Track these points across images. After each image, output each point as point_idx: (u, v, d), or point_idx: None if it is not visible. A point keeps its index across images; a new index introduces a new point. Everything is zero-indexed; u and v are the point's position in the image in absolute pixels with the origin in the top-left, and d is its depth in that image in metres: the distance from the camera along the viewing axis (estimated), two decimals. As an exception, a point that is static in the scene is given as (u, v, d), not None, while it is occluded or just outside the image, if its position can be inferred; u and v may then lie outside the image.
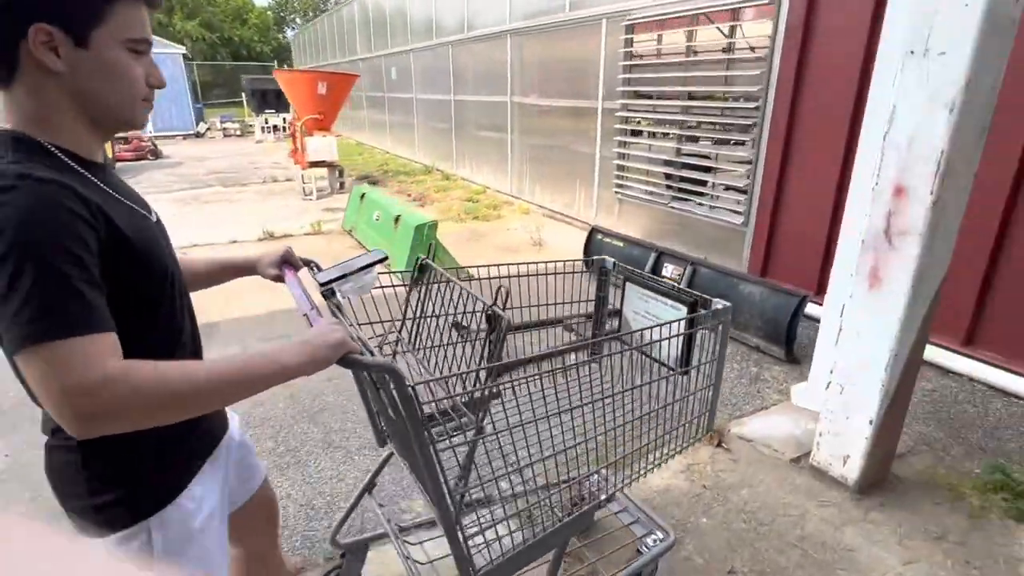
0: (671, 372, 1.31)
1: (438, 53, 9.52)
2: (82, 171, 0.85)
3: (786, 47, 3.72)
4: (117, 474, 0.93)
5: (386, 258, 1.31)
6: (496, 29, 7.42)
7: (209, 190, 8.98)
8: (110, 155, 11.09)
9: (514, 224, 6.58)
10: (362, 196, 5.86)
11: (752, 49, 3.94)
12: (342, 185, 8.81)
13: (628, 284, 1.52)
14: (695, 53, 4.40)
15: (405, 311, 1.42)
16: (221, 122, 19.76)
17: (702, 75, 4.34)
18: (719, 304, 1.28)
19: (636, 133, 5.27)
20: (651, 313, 1.44)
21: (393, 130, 12.79)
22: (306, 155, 8.06)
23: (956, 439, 2.54)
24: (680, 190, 4.74)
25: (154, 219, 1.00)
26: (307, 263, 1.32)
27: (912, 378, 2.11)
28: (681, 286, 4.01)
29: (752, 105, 3.93)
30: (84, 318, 0.74)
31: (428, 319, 1.44)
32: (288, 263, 1.27)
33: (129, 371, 0.74)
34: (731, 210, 4.31)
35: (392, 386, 0.93)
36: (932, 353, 3.16)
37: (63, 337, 0.71)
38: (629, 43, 4.97)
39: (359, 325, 1.29)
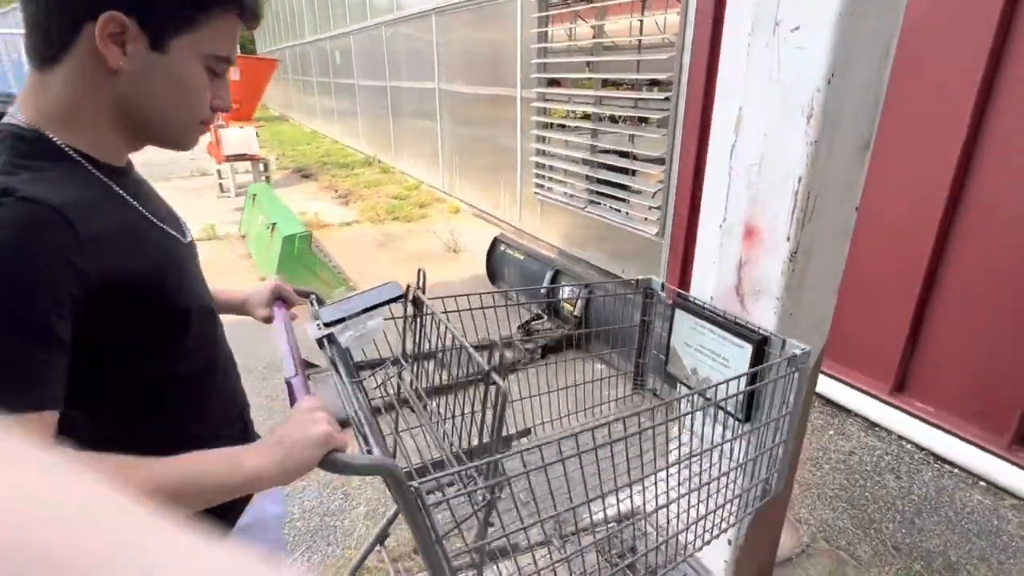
0: (740, 427, 1.15)
1: (373, 35, 8.78)
2: (106, 180, 0.74)
3: (698, 30, 3.11)
4: None
5: (401, 296, 1.09)
6: (423, 7, 6.72)
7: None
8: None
9: (438, 226, 5.96)
10: (254, 197, 5.20)
11: (661, 30, 3.32)
12: (267, 180, 8.13)
13: (677, 311, 1.35)
14: (607, 35, 3.78)
15: (403, 349, 1.15)
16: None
17: (615, 59, 3.72)
18: (797, 348, 1.07)
19: (554, 127, 4.65)
20: (707, 348, 1.28)
21: (340, 118, 12.04)
22: (221, 148, 7.35)
23: (867, 532, 1.99)
24: (597, 193, 4.14)
25: (187, 240, 0.89)
26: (304, 295, 1.12)
27: (791, 480, 1.55)
28: (575, 313, 3.47)
29: (663, 96, 3.33)
30: (29, 390, 0.60)
31: (426, 358, 1.15)
32: (281, 299, 1.10)
33: None
34: (644, 218, 3.72)
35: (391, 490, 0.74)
36: (858, 403, 2.61)
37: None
38: (544, 22, 4.33)
39: (356, 373, 1.02)
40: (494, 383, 0.79)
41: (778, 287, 1.23)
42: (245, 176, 7.77)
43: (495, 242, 4.12)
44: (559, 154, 4.49)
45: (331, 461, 0.70)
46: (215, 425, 0.91)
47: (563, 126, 4.52)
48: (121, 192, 0.75)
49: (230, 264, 4.89)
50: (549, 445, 0.80)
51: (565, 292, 3.35)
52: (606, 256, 4.34)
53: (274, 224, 4.18)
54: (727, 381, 1.03)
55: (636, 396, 1.52)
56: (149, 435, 0.77)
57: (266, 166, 8.08)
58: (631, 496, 0.99)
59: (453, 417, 1.08)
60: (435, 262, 4.93)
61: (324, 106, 13.29)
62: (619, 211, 4.01)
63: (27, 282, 0.59)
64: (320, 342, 1.02)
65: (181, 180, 8.65)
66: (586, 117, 4.19)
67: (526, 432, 1.33)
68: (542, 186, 4.82)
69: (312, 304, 1.08)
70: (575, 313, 3.23)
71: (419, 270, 1.10)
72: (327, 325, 1.02)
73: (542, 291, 3.45)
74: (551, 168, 4.64)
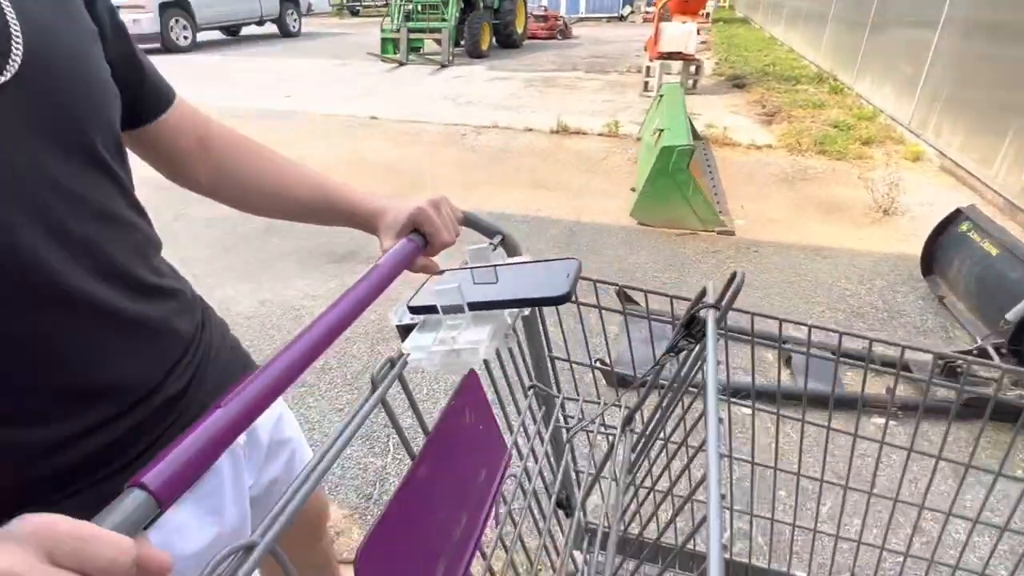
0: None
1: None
2: None
3: None
4: None
5: (566, 297, 0.57)
6: None
7: (567, 74, 8.95)
8: (520, 30, 12.18)
9: (877, 172, 4.41)
10: (660, 99, 4.75)
11: None
12: (695, 84, 7.53)
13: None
14: None
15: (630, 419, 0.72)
16: (646, 5, 19.48)
17: None
18: None
19: None
20: None
21: (805, 23, 10.12)
22: (658, 44, 7.02)
23: None
24: None
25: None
26: (489, 233, 0.74)
27: None
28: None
29: None
30: None
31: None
32: (417, 232, 0.69)
33: None
34: None
35: None
36: None
37: None
38: None
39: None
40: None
41: None
42: (674, 78, 7.35)
43: (955, 215, 2.67)
44: None
45: None
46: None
47: None
48: None
49: (614, 167, 4.71)
50: None
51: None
52: None
53: (661, 131, 3.69)
54: None
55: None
56: None
57: (698, 68, 7.45)
58: None
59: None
60: (846, 221, 3.66)
61: (792, 7, 11.41)
62: None
63: None
64: (402, 333, 0.54)
65: (616, 74, 8.86)
66: None
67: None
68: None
69: (491, 247, 0.63)
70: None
71: (733, 274, 0.57)
72: (413, 311, 0.52)
73: (1009, 318, 2.06)
74: None
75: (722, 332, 0.62)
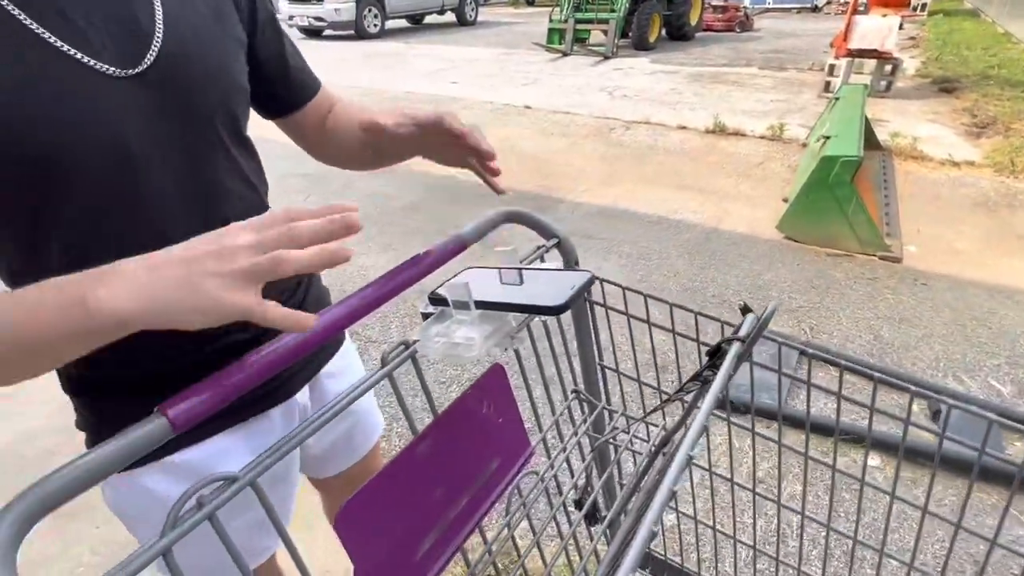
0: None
1: None
2: None
3: None
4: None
5: (565, 307, 0.55)
6: None
7: (737, 70, 8.35)
8: (694, 22, 11.58)
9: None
10: (835, 102, 4.25)
11: None
12: (888, 86, 6.60)
13: None
14: None
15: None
16: (845, -5, 17.40)
17: None
18: None
19: None
20: None
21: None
22: (848, 39, 6.27)
23: None
24: None
25: (133, 70, 0.57)
26: (546, 234, 0.75)
27: None
28: None
29: None
30: None
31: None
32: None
33: None
34: None
35: None
36: None
37: None
38: None
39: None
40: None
41: None
42: (865, 78, 6.50)
43: None
44: None
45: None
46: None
47: None
48: None
49: (769, 174, 4.34)
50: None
51: None
52: None
53: (828, 138, 3.32)
54: None
55: None
56: None
57: (895, 69, 6.51)
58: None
59: None
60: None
61: (1040, -3, 9.46)
62: None
63: None
64: (424, 319, 0.58)
65: (795, 71, 8.08)
66: None
67: None
68: None
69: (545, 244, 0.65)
70: None
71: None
72: (433, 301, 0.56)
73: None
74: None
75: (749, 361, 0.57)
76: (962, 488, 1.71)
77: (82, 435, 0.69)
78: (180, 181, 0.62)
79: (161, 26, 0.60)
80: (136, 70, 0.57)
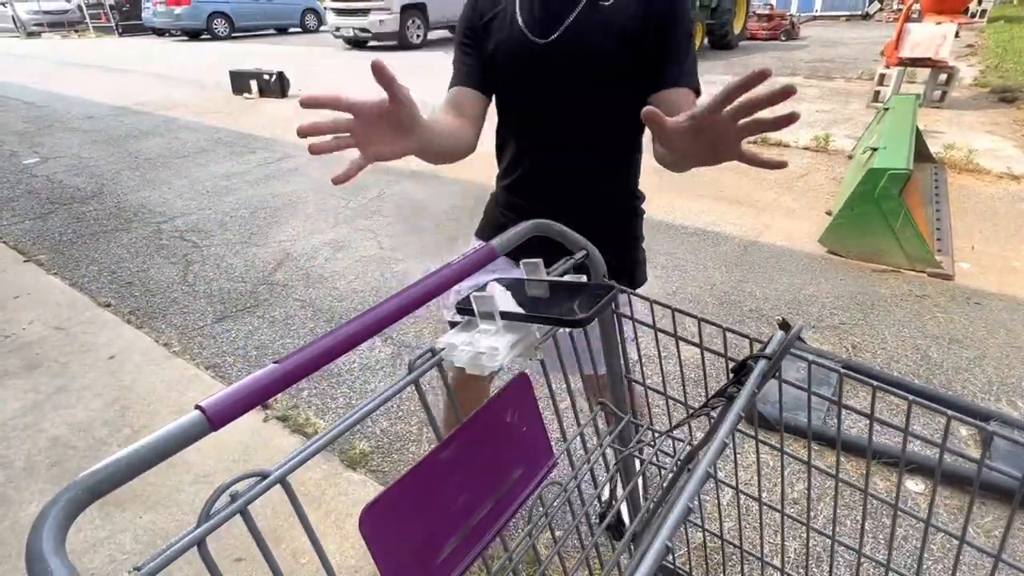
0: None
1: None
2: None
3: None
4: None
5: (587, 320, 0.55)
6: None
7: (780, 79, 8.16)
8: (737, 31, 11.40)
9: None
10: (884, 112, 4.11)
11: None
12: (943, 97, 6.36)
13: None
14: None
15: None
16: (898, 2, 16.82)
17: None
18: None
19: None
20: None
21: None
22: (900, 47, 6.07)
23: None
24: None
25: (547, 39, 1.00)
26: (573, 247, 0.75)
27: None
28: None
29: None
30: (454, 76, 1.14)
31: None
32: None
33: None
34: None
35: None
36: None
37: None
38: None
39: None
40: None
41: None
42: (916, 88, 6.28)
43: None
44: None
45: None
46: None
47: None
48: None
49: (812, 186, 4.22)
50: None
51: None
52: None
53: (875, 150, 3.21)
54: None
55: None
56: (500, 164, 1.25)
57: (950, 78, 6.27)
58: None
59: None
60: None
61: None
62: None
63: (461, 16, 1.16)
64: (451, 328, 0.59)
65: (843, 81, 7.87)
66: None
67: None
68: None
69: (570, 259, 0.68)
70: None
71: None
72: (460, 311, 0.57)
73: None
74: None
75: (778, 378, 0.57)
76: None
77: (128, 430, 0.73)
78: (569, 126, 1.09)
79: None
80: (544, 39, 1.01)
